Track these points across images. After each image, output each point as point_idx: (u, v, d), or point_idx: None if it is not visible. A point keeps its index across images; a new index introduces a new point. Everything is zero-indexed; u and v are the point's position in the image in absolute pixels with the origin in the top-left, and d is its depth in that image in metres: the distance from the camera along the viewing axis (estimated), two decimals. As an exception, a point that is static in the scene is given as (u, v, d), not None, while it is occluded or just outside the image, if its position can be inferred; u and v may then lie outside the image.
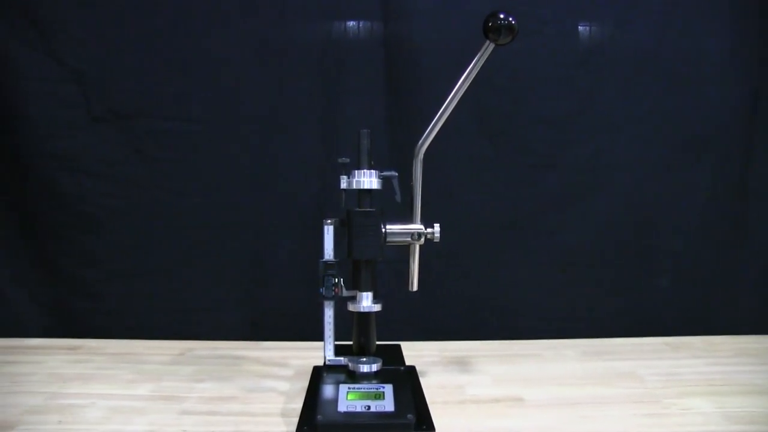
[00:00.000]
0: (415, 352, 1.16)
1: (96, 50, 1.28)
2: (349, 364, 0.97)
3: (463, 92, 0.89)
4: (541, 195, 1.35)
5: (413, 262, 0.98)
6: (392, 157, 1.31)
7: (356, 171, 0.96)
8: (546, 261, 1.36)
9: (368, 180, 0.95)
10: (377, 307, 0.97)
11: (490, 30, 0.82)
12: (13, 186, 1.32)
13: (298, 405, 0.92)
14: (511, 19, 0.81)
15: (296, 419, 0.87)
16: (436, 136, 0.93)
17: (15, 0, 1.26)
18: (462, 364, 1.15)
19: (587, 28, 1.33)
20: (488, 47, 0.84)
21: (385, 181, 0.97)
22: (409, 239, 0.97)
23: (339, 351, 0.99)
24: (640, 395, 1.00)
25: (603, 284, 1.37)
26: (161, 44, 1.29)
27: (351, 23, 1.31)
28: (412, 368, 1.06)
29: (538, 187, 1.35)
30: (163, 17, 1.28)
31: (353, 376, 0.95)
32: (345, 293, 0.97)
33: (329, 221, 0.97)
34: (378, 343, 1.01)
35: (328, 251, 0.97)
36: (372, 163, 0.96)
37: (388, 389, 0.90)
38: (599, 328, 1.34)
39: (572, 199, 1.35)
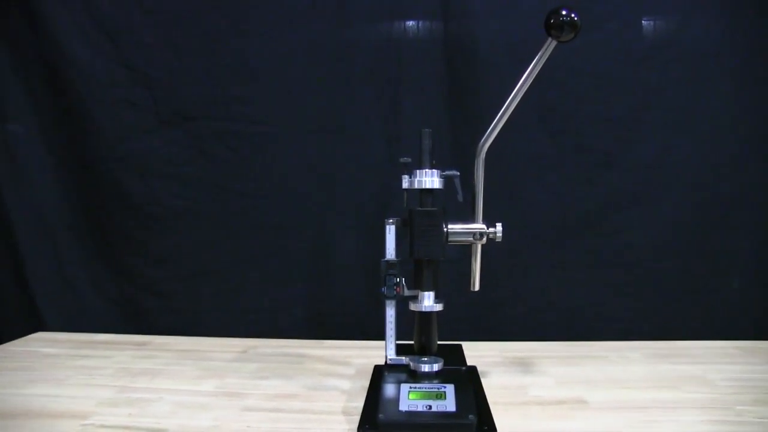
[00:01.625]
0: (476, 353, 1.16)
1: (162, 54, 1.32)
2: (411, 364, 0.97)
3: (525, 90, 0.87)
4: (604, 194, 1.32)
5: (475, 261, 0.97)
6: (454, 156, 1.30)
7: (418, 170, 0.96)
8: (610, 261, 1.33)
9: (430, 179, 0.95)
10: (438, 307, 0.97)
11: (553, 27, 0.81)
12: (85, 188, 1.37)
13: (359, 404, 0.93)
14: (573, 15, 0.80)
15: (357, 417, 0.87)
16: (497, 135, 0.91)
17: (83, 8, 1.31)
18: (524, 365, 1.14)
19: (651, 22, 1.30)
20: (550, 45, 0.83)
21: (447, 180, 0.96)
22: (471, 239, 0.96)
23: (400, 350, 1.00)
24: (710, 401, 0.96)
25: (669, 285, 1.33)
26: (225, 47, 1.32)
27: (411, 23, 1.31)
28: (474, 368, 1.05)
29: (602, 186, 1.32)
30: (227, 19, 1.31)
31: (414, 376, 0.95)
32: (407, 293, 0.97)
33: (391, 221, 0.97)
34: (439, 342, 1.01)
35: (390, 251, 0.97)
36: (434, 162, 0.96)
37: (449, 389, 0.90)
38: (665, 330, 1.31)
39: (637, 198, 1.32)
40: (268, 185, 1.34)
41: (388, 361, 0.99)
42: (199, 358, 1.18)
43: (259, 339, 1.30)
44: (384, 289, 0.96)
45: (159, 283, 1.37)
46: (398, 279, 0.96)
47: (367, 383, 1.00)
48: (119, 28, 1.32)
